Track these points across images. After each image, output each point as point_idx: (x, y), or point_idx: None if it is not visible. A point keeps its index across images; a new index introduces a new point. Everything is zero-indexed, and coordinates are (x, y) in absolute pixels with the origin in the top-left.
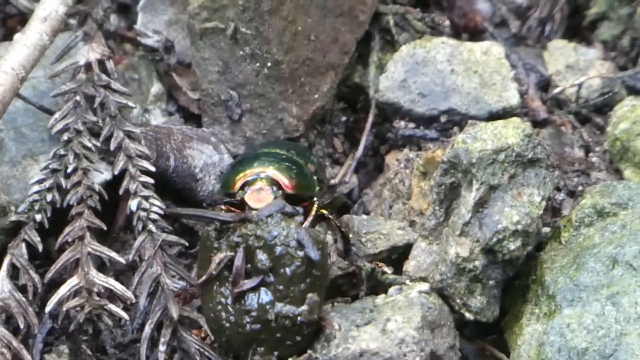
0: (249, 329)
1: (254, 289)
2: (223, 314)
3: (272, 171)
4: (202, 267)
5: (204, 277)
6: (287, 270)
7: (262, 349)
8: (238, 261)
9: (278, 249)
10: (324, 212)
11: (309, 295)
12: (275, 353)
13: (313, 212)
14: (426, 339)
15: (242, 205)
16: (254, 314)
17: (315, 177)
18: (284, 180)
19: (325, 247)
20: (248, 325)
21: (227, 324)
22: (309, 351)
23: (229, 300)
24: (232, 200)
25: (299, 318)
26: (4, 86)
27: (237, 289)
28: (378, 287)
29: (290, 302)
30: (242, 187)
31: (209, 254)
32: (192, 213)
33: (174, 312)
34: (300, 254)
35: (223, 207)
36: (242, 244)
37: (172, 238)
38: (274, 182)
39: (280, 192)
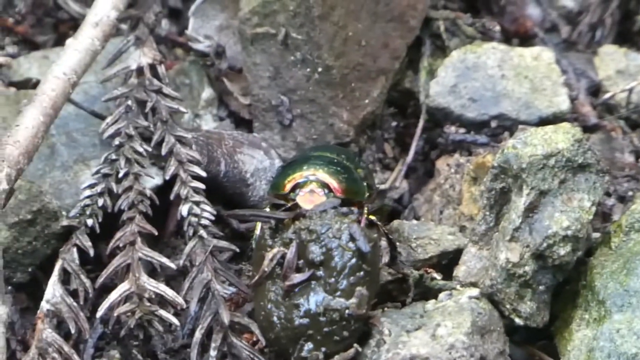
0: (297, 324)
1: (305, 282)
2: (273, 310)
3: (322, 174)
4: (256, 268)
5: (256, 277)
6: (338, 263)
7: (310, 344)
8: (290, 255)
9: (330, 242)
10: (373, 218)
11: (358, 288)
12: (323, 349)
13: (364, 215)
14: (476, 345)
15: (293, 207)
16: (303, 308)
17: (364, 183)
18: (333, 183)
19: (377, 245)
20: (297, 319)
21: (277, 320)
22: (355, 345)
23: (280, 297)
24: (283, 202)
25: (346, 311)
26: (56, 91)
27: (288, 283)
28: (428, 292)
29: (340, 295)
30: (293, 189)
31: (263, 253)
32: (249, 213)
33: (225, 318)
34: (352, 246)
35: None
36: (296, 239)
37: (223, 244)
38: (324, 185)
39: (332, 194)
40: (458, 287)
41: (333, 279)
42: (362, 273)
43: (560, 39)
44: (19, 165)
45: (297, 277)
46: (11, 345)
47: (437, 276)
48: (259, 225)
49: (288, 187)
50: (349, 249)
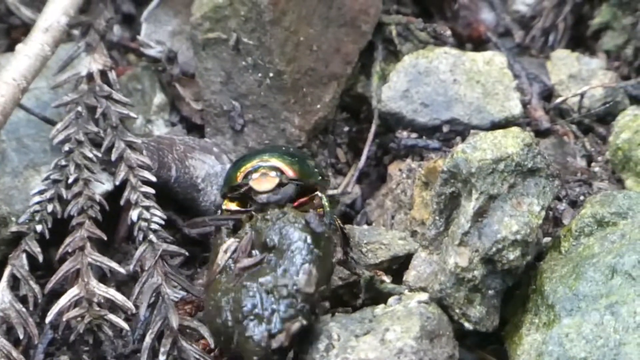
0: (244, 304)
1: (256, 265)
2: (222, 297)
3: (273, 161)
4: (211, 267)
5: (211, 271)
6: (291, 244)
7: (256, 322)
8: (244, 241)
9: (284, 226)
10: (326, 204)
11: (306, 266)
12: (269, 327)
13: (324, 202)
14: (425, 349)
15: (247, 195)
16: (252, 288)
17: (316, 170)
18: (285, 167)
19: (330, 234)
20: (245, 299)
21: (225, 304)
22: (300, 319)
23: (230, 284)
24: (237, 193)
25: (294, 287)
26: (5, 97)
27: (239, 265)
28: (379, 297)
29: (290, 276)
30: (246, 177)
31: (218, 249)
32: (208, 218)
33: (174, 322)
34: (305, 232)
35: (229, 203)
36: (251, 230)
37: (173, 248)
38: (276, 169)
39: (284, 175)
40: (407, 291)
41: (285, 261)
42: (313, 256)
43: (513, 44)
44: None
45: (248, 260)
46: None
47: (387, 279)
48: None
49: (241, 177)
50: (303, 230)
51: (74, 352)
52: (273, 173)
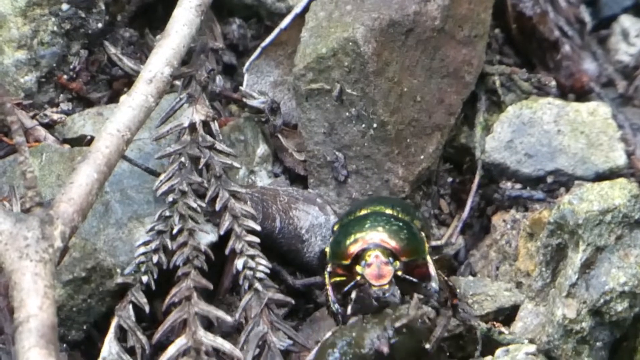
0: None
1: None
2: None
3: (383, 235)
4: None
5: None
6: None
7: None
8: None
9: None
10: (432, 269)
11: None
12: None
13: (430, 264)
14: None
15: (359, 282)
16: None
17: (422, 235)
18: (396, 245)
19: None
20: None
21: None
22: None
23: None
24: (351, 285)
25: None
26: (110, 148)
27: None
28: (484, 349)
29: None
30: (356, 259)
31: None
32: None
33: None
34: None
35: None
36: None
37: (279, 296)
38: (389, 253)
39: (398, 263)
40: (525, 341)
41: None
42: None
43: (616, 94)
44: (73, 222)
45: None
46: None
47: (505, 330)
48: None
49: (351, 256)
50: None
51: None
52: (387, 262)
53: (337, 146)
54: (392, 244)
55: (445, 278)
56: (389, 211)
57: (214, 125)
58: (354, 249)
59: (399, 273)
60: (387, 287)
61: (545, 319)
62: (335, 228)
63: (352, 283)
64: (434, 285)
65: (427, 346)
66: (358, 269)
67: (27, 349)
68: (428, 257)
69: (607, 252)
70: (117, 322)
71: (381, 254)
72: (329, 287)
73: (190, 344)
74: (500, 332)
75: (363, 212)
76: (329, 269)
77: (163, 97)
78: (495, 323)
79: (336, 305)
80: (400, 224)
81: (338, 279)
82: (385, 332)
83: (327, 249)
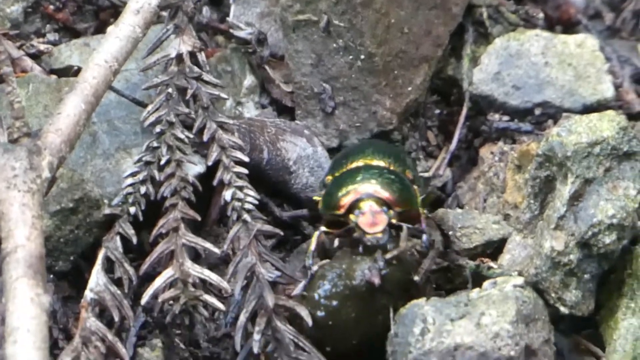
0: None
1: None
2: None
3: (377, 187)
4: None
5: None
6: None
7: None
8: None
9: None
10: (423, 212)
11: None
12: None
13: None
14: (521, 333)
15: (353, 230)
16: None
17: (415, 187)
18: (390, 196)
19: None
20: None
21: None
22: None
23: None
24: (344, 229)
25: None
26: (97, 79)
27: None
28: (474, 281)
29: None
30: (350, 209)
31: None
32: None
33: (270, 301)
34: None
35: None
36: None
37: (268, 228)
38: (382, 202)
39: (392, 212)
40: (514, 273)
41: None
42: None
43: (604, 26)
44: (61, 153)
45: None
46: (53, 334)
47: (494, 265)
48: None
49: (345, 206)
50: None
51: (166, 336)
52: (381, 211)
53: (324, 78)
54: (386, 194)
55: (438, 223)
56: (381, 163)
57: (201, 56)
58: (347, 199)
59: (393, 221)
60: (380, 235)
61: (533, 251)
62: (327, 180)
63: (345, 228)
64: (425, 239)
65: (416, 278)
66: (352, 217)
67: (15, 279)
68: (421, 210)
69: (595, 184)
70: (105, 253)
71: (375, 203)
72: (313, 241)
73: (178, 275)
74: (490, 267)
75: (354, 164)
76: (322, 225)
77: (150, 28)
78: (483, 259)
79: (310, 261)
80: (393, 176)
81: (330, 230)
82: (376, 264)
83: (319, 201)
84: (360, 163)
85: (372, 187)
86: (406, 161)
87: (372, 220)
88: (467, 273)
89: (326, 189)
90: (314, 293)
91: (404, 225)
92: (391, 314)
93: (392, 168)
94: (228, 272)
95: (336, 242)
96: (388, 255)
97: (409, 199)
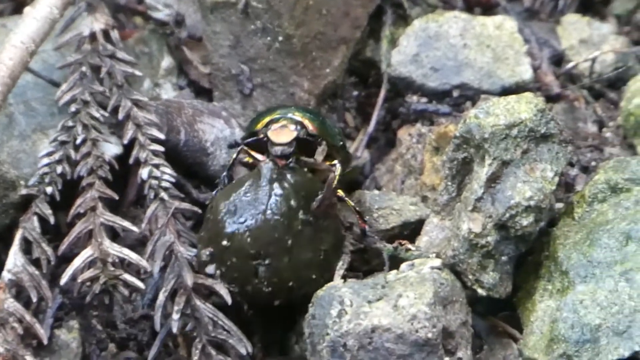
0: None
1: None
2: None
3: (297, 115)
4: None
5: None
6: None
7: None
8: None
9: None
10: (340, 193)
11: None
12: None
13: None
14: (438, 315)
15: (264, 144)
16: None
17: (338, 135)
18: (307, 122)
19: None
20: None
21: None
22: None
23: None
24: (255, 139)
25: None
26: (14, 60)
27: None
28: (391, 263)
29: None
30: (267, 126)
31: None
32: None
33: (188, 280)
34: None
35: (245, 148)
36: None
37: (185, 206)
38: (298, 123)
39: (303, 130)
40: (431, 256)
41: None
42: None
43: (522, 8)
44: None
45: None
46: None
47: (412, 247)
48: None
49: (262, 125)
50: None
51: (83, 317)
52: (292, 126)
53: (242, 59)
54: (302, 119)
55: (353, 205)
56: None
57: (114, 34)
58: (268, 118)
59: (302, 135)
60: (286, 147)
61: (450, 233)
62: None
63: (254, 138)
64: (337, 169)
65: (313, 204)
66: (263, 129)
67: None
68: (337, 169)
69: (512, 166)
70: (22, 234)
71: (288, 121)
72: (232, 157)
73: (97, 254)
74: (407, 249)
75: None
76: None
77: (68, 8)
78: (401, 241)
79: (224, 173)
80: (314, 114)
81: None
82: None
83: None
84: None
85: (290, 112)
86: (332, 122)
87: (280, 132)
88: (384, 256)
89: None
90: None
91: (322, 143)
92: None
93: (315, 111)
94: (146, 251)
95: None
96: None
97: (326, 129)
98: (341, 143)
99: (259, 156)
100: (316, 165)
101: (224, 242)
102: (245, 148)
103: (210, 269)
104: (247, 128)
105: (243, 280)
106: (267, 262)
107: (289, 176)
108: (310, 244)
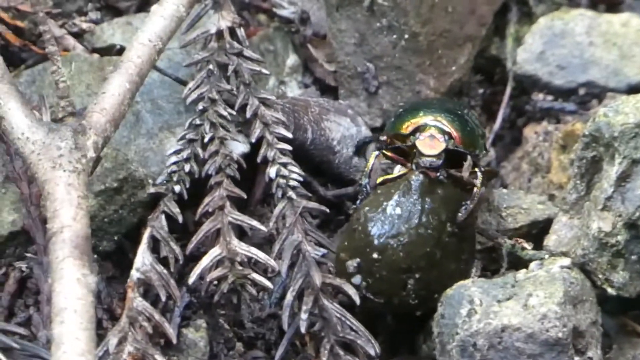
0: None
1: None
2: None
3: (443, 122)
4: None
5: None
6: None
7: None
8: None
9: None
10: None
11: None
12: None
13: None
14: (568, 315)
15: (410, 149)
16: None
17: (481, 140)
18: (453, 131)
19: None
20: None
21: None
22: None
23: None
24: (397, 147)
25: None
26: (142, 58)
27: None
28: (518, 262)
29: None
30: (413, 133)
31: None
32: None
33: (317, 279)
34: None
35: (388, 153)
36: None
37: (313, 205)
38: (444, 132)
39: (452, 141)
40: (547, 256)
41: None
42: None
43: None
44: (106, 133)
45: None
46: (97, 314)
47: (528, 246)
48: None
49: (409, 128)
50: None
51: (211, 316)
52: (441, 137)
53: (367, 57)
54: (448, 126)
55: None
56: (449, 106)
57: (240, 32)
58: (414, 121)
59: (450, 147)
60: (435, 158)
61: (580, 232)
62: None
63: (399, 145)
64: (480, 178)
65: (459, 215)
66: (412, 138)
67: (61, 260)
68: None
69: None
70: (150, 233)
71: (435, 130)
72: (370, 161)
73: (225, 254)
74: (523, 248)
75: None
76: (382, 139)
77: (194, 6)
78: (518, 239)
79: (365, 180)
80: (458, 116)
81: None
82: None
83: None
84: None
85: (435, 117)
86: (473, 115)
87: (430, 143)
88: (503, 252)
89: (393, 117)
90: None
91: (468, 155)
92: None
93: (459, 112)
94: (274, 250)
95: (397, 170)
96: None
97: (470, 138)
98: (485, 151)
99: (399, 168)
100: (462, 179)
101: (374, 255)
102: (385, 152)
103: (357, 279)
104: (389, 126)
105: (391, 293)
106: (417, 275)
107: (439, 190)
108: (454, 254)
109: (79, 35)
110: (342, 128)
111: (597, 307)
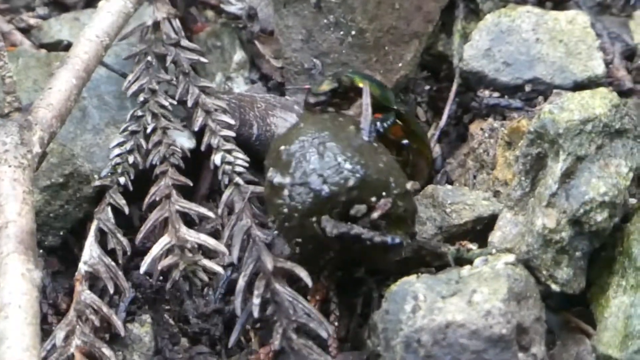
0: None
1: None
2: None
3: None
4: None
5: None
6: None
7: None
8: None
9: None
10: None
11: None
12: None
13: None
14: (513, 311)
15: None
16: None
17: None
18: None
19: None
20: None
21: None
22: None
23: None
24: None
25: None
26: (89, 54)
27: None
28: (463, 259)
29: None
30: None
31: None
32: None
33: (268, 263)
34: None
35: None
36: None
37: (261, 189)
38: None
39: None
40: (493, 251)
41: None
42: None
43: (594, 3)
44: (52, 128)
45: None
46: (42, 309)
47: (473, 246)
48: None
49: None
50: None
51: (156, 311)
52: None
53: (314, 53)
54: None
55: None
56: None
57: (176, 23)
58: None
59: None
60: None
61: (524, 228)
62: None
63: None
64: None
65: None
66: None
67: (6, 255)
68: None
69: (587, 161)
70: (97, 225)
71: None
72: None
73: (174, 241)
74: (469, 250)
75: None
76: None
77: (142, 3)
78: (462, 242)
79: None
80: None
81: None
82: None
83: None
84: None
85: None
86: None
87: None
88: (449, 258)
89: None
90: None
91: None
92: None
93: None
94: (224, 236)
95: None
96: None
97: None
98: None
99: None
100: None
101: None
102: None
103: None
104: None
105: None
106: None
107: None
108: None
109: (26, 31)
110: (289, 124)
111: (541, 304)
